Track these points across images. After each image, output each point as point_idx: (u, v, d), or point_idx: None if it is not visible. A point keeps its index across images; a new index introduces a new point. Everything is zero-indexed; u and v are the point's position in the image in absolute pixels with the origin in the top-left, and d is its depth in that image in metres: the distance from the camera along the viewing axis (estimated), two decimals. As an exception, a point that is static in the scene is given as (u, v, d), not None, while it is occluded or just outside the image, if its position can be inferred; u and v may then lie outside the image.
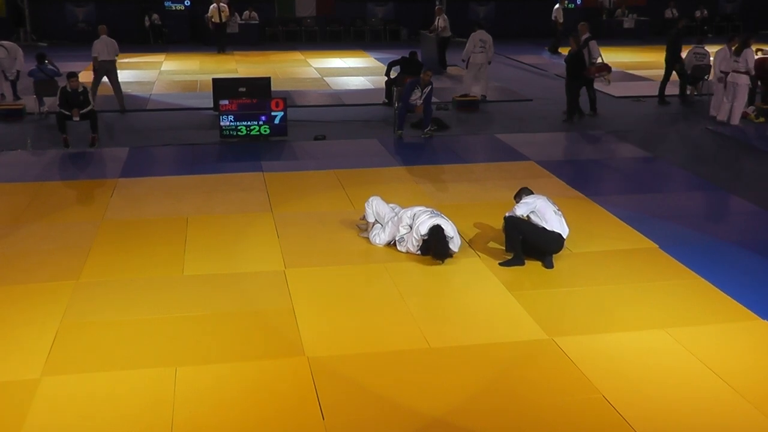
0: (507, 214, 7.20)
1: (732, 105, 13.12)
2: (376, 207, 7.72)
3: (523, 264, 7.13)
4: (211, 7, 21.80)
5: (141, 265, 7.13)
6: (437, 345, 5.76)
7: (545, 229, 7.10)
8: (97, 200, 9.15)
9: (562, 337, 5.86)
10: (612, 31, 26.66)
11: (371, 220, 7.75)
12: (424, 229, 7.16)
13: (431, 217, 7.25)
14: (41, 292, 6.56)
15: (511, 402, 5.08)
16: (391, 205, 7.81)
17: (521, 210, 7.16)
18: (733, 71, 13.02)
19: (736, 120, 13.13)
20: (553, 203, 7.32)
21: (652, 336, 5.90)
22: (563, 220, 7.24)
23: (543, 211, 7.15)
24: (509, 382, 5.31)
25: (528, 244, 7.15)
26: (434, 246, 7.16)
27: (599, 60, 14.29)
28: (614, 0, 27.25)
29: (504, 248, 7.38)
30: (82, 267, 7.07)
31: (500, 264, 7.16)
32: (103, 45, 14.04)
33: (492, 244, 7.64)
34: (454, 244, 7.27)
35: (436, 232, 7.13)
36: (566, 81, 13.85)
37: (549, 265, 7.13)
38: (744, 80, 12.95)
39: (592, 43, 14.03)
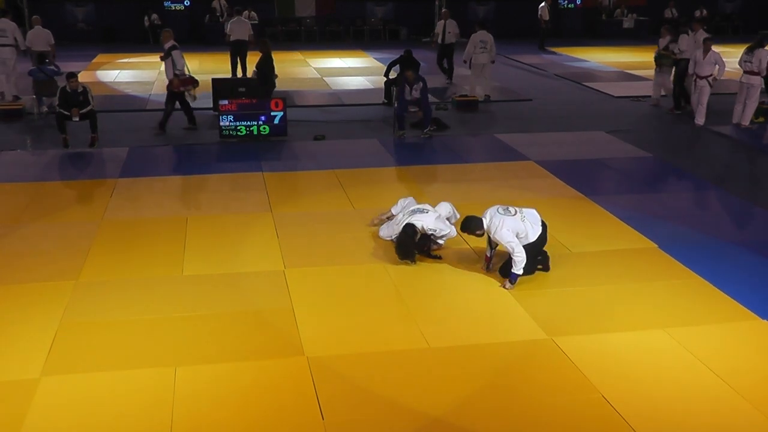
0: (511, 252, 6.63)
1: (745, 105, 13.07)
2: (407, 202, 7.82)
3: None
4: (230, 23, 17.86)
5: (141, 265, 7.13)
6: (437, 345, 5.76)
7: (532, 243, 6.73)
8: (97, 200, 9.15)
9: (561, 337, 5.86)
10: (612, 31, 26.66)
11: (395, 212, 7.84)
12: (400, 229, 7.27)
13: (411, 215, 7.31)
14: (41, 292, 6.56)
15: (511, 402, 5.08)
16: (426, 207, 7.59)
17: (516, 243, 6.56)
18: (746, 72, 12.97)
19: (746, 121, 13.09)
20: (511, 209, 6.77)
21: (652, 336, 5.90)
22: (528, 216, 6.80)
23: (519, 229, 6.69)
24: (509, 382, 5.31)
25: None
26: (396, 245, 7.23)
27: (185, 72, 12.67)
28: (614, 0, 27.27)
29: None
30: (81, 267, 7.07)
31: (499, 270, 6.99)
32: (36, 35, 14.96)
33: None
34: (442, 230, 7.27)
35: (403, 231, 7.18)
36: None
37: (546, 268, 7.05)
38: (757, 81, 12.91)
39: (176, 53, 12.46)
